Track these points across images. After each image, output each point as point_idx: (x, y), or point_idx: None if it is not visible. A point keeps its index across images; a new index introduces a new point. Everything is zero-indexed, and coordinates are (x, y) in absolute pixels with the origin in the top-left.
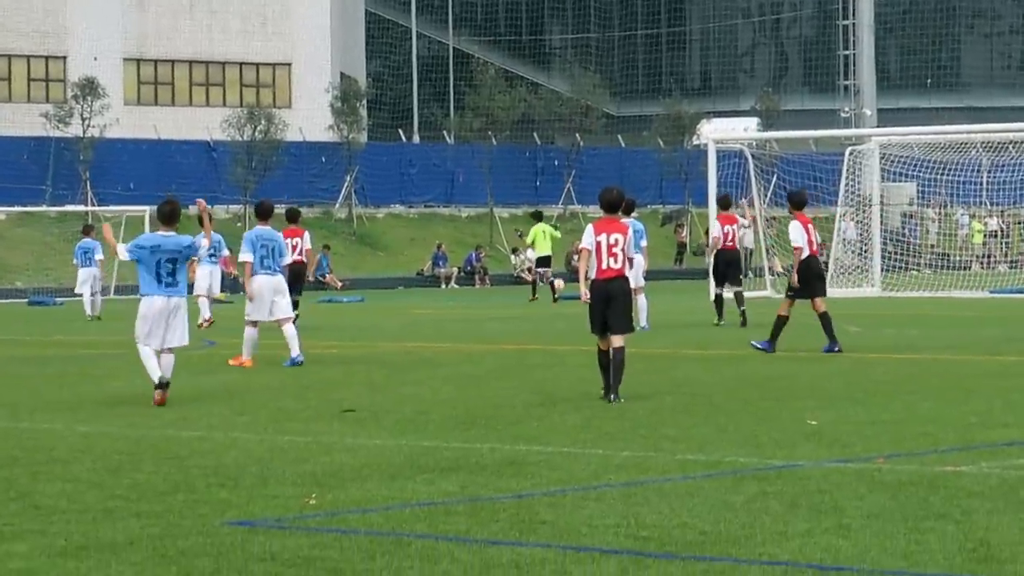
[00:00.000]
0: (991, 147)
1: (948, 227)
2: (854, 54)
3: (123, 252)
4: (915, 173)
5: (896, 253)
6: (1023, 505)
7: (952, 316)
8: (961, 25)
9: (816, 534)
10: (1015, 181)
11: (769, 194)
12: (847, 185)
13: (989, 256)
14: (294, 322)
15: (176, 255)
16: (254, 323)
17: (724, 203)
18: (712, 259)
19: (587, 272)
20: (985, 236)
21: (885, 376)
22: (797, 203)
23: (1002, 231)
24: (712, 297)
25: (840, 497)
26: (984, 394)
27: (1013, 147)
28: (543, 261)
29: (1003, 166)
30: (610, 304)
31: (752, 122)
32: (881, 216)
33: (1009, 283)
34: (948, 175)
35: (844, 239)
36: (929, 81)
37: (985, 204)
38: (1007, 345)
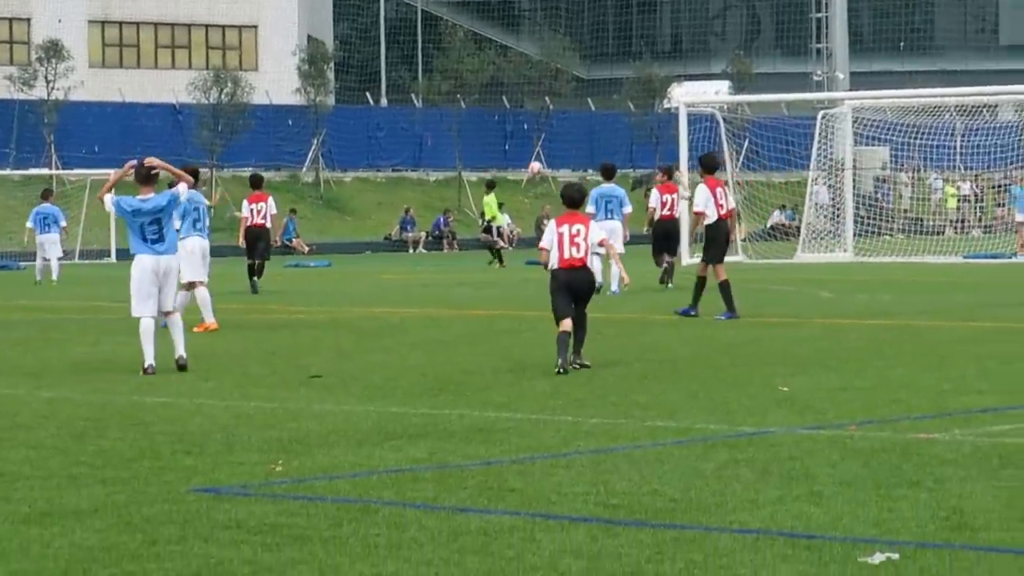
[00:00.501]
0: (964, 111)
1: (921, 192)
2: (827, 16)
3: (108, 202)
4: (888, 137)
5: (869, 218)
6: (996, 473)
7: (925, 282)
8: None
9: (787, 501)
10: (989, 145)
11: (741, 158)
12: (819, 149)
13: (963, 221)
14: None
15: (159, 215)
16: (195, 284)
17: (709, 165)
18: (651, 229)
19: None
20: (959, 201)
21: (858, 342)
22: (708, 166)
23: (976, 196)
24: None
25: (812, 464)
26: (957, 360)
27: (987, 111)
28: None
29: (977, 130)
30: (576, 301)
31: (724, 85)
32: (854, 181)
33: (983, 248)
34: (921, 139)
35: (816, 203)
36: (902, 44)
37: (959, 168)
38: (980, 311)
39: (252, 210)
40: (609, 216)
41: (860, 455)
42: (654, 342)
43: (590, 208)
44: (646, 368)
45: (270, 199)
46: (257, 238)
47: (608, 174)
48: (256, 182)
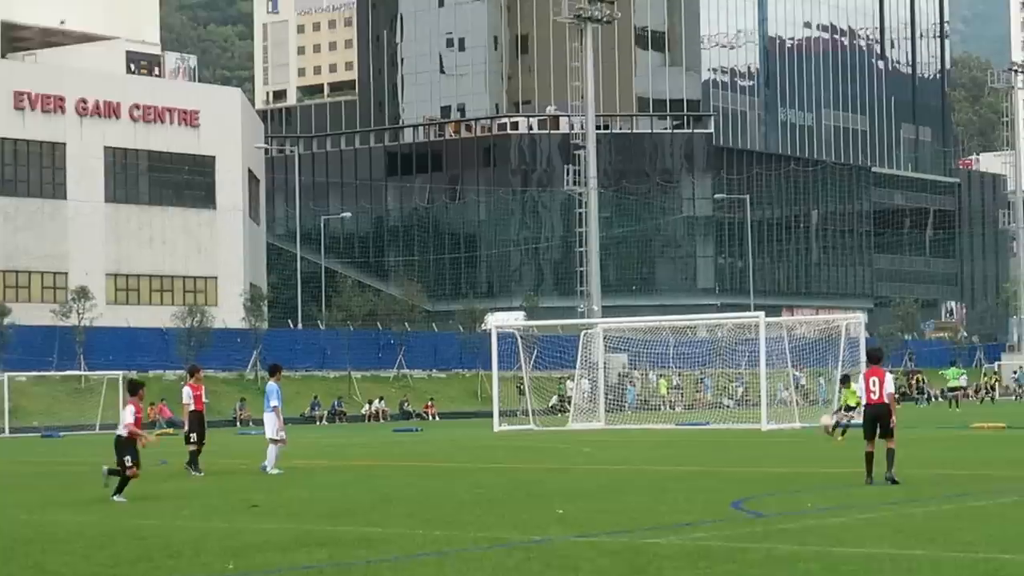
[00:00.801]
0: (675, 331)
1: (646, 383)
2: (586, 270)
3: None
4: (626, 347)
5: (614, 400)
6: (696, 566)
7: (650, 440)
8: (656, 250)
9: None
10: (691, 353)
11: (532, 362)
12: (582, 356)
13: (673, 402)
14: (196, 461)
15: None
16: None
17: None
18: None
19: None
20: (669, 388)
21: (607, 480)
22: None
23: (680, 386)
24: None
25: (577, 560)
26: (672, 491)
27: (689, 331)
28: None
29: (683, 343)
30: None
31: (520, 315)
32: (605, 375)
33: (687, 419)
34: (647, 349)
35: (583, 391)
36: (634, 287)
37: (671, 367)
38: (689, 457)
39: (192, 395)
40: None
41: (608, 553)
42: (480, 481)
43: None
44: (472, 497)
45: (203, 387)
46: (201, 419)
47: None
48: (192, 371)
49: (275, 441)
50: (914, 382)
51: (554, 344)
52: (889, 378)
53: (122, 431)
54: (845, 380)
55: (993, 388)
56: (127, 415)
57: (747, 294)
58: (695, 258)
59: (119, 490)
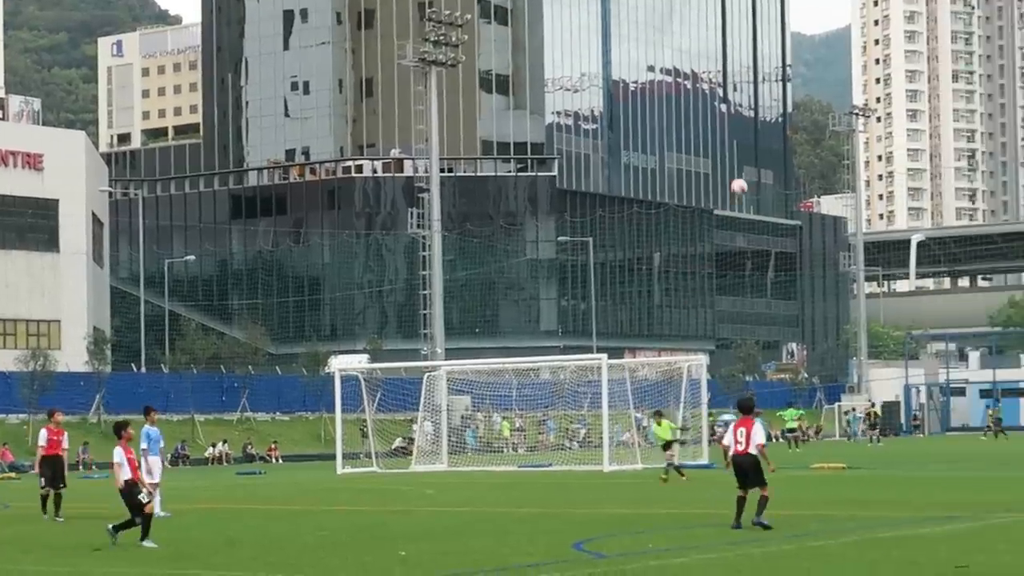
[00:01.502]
0: (518, 372)
1: (489, 425)
2: (429, 313)
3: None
4: (469, 390)
5: (457, 442)
6: None
7: (493, 482)
8: (499, 292)
9: None
10: (534, 395)
11: (375, 404)
12: (426, 398)
13: (516, 443)
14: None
15: None
16: None
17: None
18: None
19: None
20: (512, 431)
21: (452, 521)
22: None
23: (523, 428)
24: None
25: None
26: (515, 533)
27: (532, 373)
28: None
29: (526, 385)
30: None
31: (364, 357)
32: (448, 417)
33: (530, 461)
34: (491, 391)
35: (424, 432)
36: (478, 329)
37: (514, 409)
38: (530, 499)
39: (50, 439)
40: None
41: None
42: (324, 523)
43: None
44: (315, 541)
45: (65, 433)
46: (59, 463)
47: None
48: (51, 414)
49: (156, 485)
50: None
51: (398, 386)
52: (758, 427)
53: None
54: (657, 415)
55: (819, 430)
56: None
57: (590, 336)
58: (538, 300)
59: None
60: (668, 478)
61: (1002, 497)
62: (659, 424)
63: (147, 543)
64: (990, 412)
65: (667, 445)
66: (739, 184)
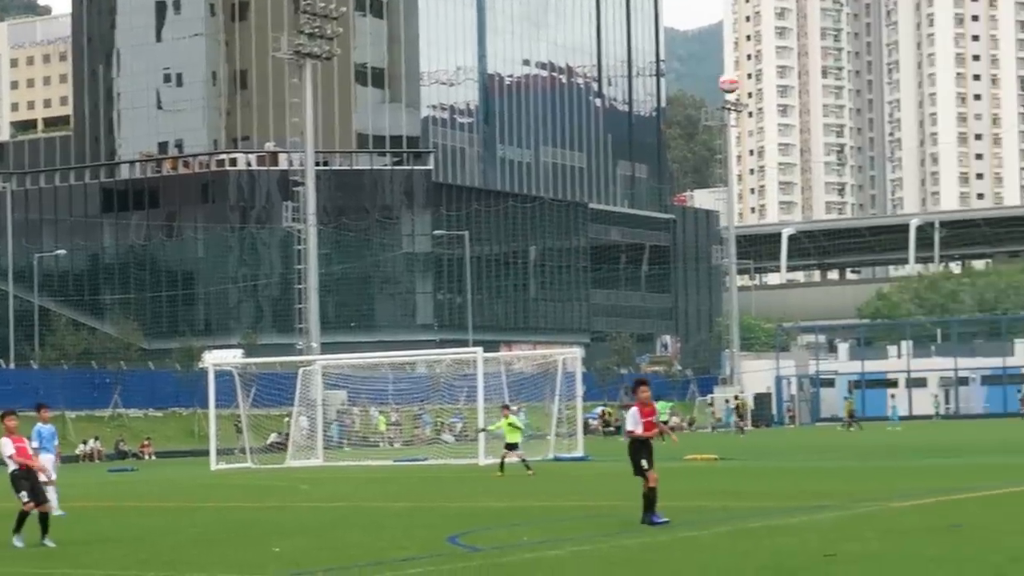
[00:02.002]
0: (395, 367)
1: (366, 419)
2: (305, 307)
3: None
4: (345, 384)
5: (333, 436)
6: None
7: (369, 476)
8: (375, 286)
9: None
10: (411, 389)
11: (251, 400)
12: (301, 392)
13: (392, 438)
14: None
15: None
16: None
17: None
18: None
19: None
20: (388, 424)
21: (330, 517)
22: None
23: (399, 422)
24: None
25: None
26: (390, 527)
27: (408, 367)
28: None
29: (402, 379)
30: None
31: (239, 352)
32: (323, 412)
33: (406, 455)
34: (367, 385)
35: (300, 427)
36: (353, 323)
37: (390, 403)
38: (405, 494)
39: None
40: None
41: None
42: (197, 520)
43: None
44: (195, 535)
45: None
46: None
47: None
48: None
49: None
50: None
51: (273, 381)
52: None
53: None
54: (505, 409)
55: (692, 422)
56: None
57: (466, 330)
58: (414, 294)
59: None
60: (504, 474)
61: (868, 486)
62: (506, 418)
63: (47, 542)
64: (846, 403)
65: (510, 446)
66: None
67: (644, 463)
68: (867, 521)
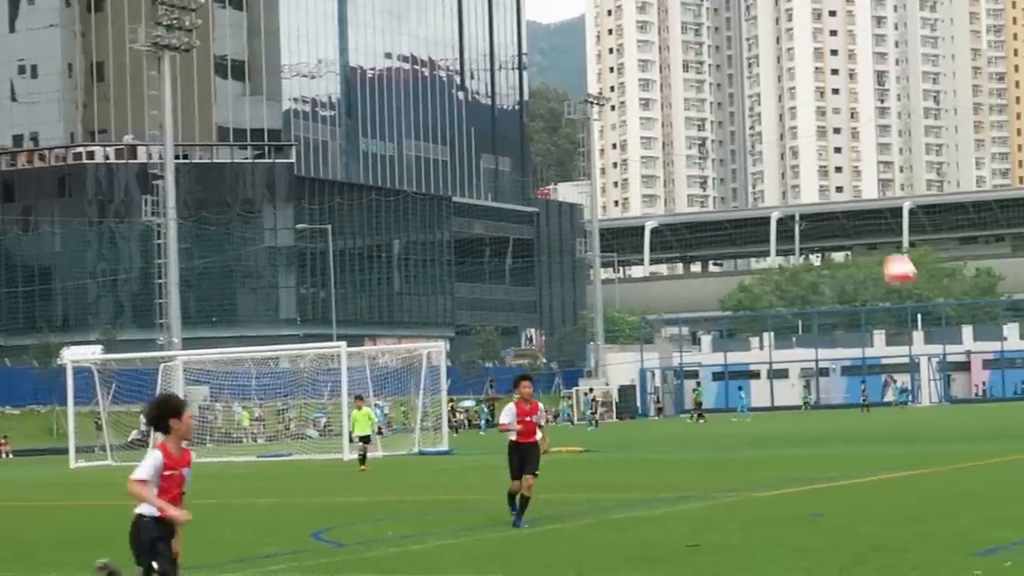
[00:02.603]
0: (258, 362)
1: (229, 415)
2: (165, 302)
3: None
4: (207, 380)
5: (197, 432)
6: None
7: (233, 473)
8: (237, 280)
9: None
10: (273, 384)
11: (111, 396)
12: (162, 388)
13: (255, 433)
14: None
15: None
16: None
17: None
18: None
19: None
20: (252, 420)
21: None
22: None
23: (262, 417)
24: None
25: None
26: (253, 524)
27: (271, 362)
28: None
29: (265, 374)
30: None
31: (98, 348)
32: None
33: (269, 451)
34: (230, 380)
35: None
36: (215, 318)
37: (253, 399)
38: (269, 490)
39: None
40: None
41: None
42: (56, 519)
43: None
44: (51, 537)
45: None
46: None
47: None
48: None
49: None
50: (493, 408)
51: (133, 377)
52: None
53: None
54: (358, 400)
55: (557, 415)
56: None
57: (330, 324)
58: (277, 288)
59: None
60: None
61: (730, 477)
62: (359, 410)
63: None
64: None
65: (363, 439)
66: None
67: (518, 468)
68: (729, 511)
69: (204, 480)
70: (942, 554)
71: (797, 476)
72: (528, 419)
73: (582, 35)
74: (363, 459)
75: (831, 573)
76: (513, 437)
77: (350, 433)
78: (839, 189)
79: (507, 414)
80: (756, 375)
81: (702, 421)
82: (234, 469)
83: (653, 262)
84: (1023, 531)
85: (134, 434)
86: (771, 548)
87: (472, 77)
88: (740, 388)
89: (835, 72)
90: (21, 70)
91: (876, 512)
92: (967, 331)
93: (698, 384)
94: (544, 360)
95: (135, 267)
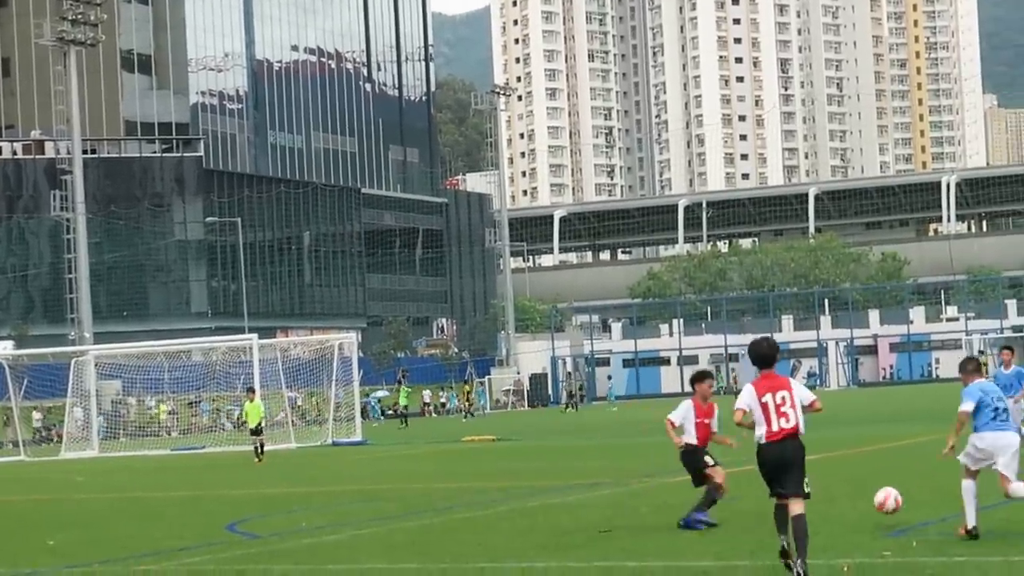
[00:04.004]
0: (170, 355)
1: (142, 408)
2: (76, 297)
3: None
4: (119, 374)
5: (108, 427)
6: None
7: (146, 466)
8: (148, 274)
9: None
10: (186, 377)
11: (23, 392)
12: (74, 384)
13: (169, 427)
14: None
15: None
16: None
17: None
18: None
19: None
20: (166, 414)
21: (102, 507)
22: None
23: (175, 410)
24: None
25: None
26: (167, 517)
27: (184, 355)
28: None
29: (178, 367)
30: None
31: (9, 344)
32: (98, 403)
33: (183, 444)
34: (142, 374)
35: (74, 419)
36: (126, 313)
37: (166, 392)
38: (183, 483)
39: None
40: None
41: None
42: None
43: None
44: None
45: None
46: None
47: None
48: None
49: None
50: (462, 396)
51: (44, 373)
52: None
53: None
54: (250, 392)
55: (471, 403)
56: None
57: (241, 316)
58: (188, 282)
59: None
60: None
61: (640, 463)
62: (251, 402)
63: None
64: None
65: (254, 431)
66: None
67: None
68: (641, 497)
69: (116, 474)
70: (852, 535)
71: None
72: (705, 421)
73: (488, 26)
74: (258, 451)
75: (742, 556)
76: (692, 441)
77: (247, 425)
78: (745, 176)
79: (683, 414)
80: (666, 361)
81: (572, 410)
82: (147, 463)
83: (562, 251)
84: (931, 512)
85: (36, 416)
86: (683, 533)
87: (379, 69)
88: (609, 377)
89: (739, 60)
90: None
91: None
92: (874, 315)
93: (572, 372)
94: (456, 350)
95: (45, 262)
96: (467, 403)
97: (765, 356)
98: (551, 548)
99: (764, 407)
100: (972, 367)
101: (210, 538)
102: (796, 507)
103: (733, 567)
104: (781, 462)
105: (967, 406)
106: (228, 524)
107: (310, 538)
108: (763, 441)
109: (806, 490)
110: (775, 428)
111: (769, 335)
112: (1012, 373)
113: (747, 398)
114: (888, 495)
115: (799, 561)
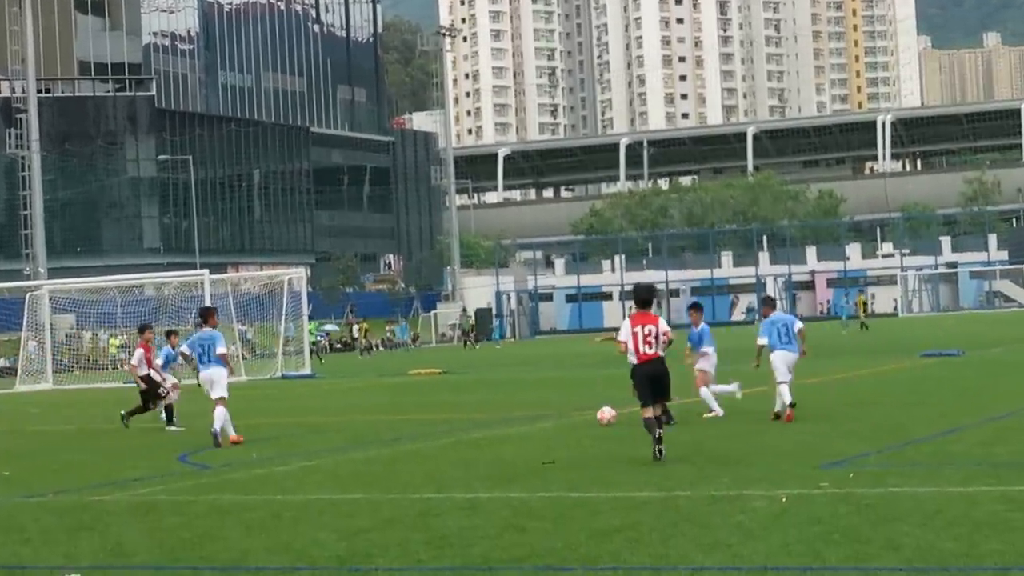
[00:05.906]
0: (123, 290)
1: (96, 342)
2: (31, 233)
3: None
4: (73, 308)
5: (62, 360)
6: (144, 520)
7: (100, 399)
8: (101, 211)
9: None
10: (138, 312)
11: None
12: (29, 318)
13: (122, 361)
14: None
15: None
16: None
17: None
18: None
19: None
20: (118, 348)
21: (54, 441)
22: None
23: (128, 344)
24: None
25: (23, 521)
26: (120, 448)
27: (136, 290)
28: None
29: (130, 301)
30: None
31: None
32: (52, 336)
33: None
34: (95, 309)
35: (27, 354)
36: (80, 248)
37: (119, 326)
38: (136, 417)
39: None
40: None
41: (57, 512)
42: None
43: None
44: None
45: None
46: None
47: None
48: None
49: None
50: (361, 333)
51: (0, 307)
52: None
53: None
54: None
55: (417, 338)
56: None
57: (193, 253)
58: (141, 219)
59: None
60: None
61: (580, 396)
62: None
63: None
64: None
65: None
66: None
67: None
68: (584, 429)
69: (71, 407)
70: (788, 467)
71: None
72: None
73: None
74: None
75: (683, 487)
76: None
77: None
78: (685, 116)
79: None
80: (608, 296)
81: (476, 346)
82: (101, 396)
83: (507, 188)
84: (866, 444)
85: (1, 362)
86: (624, 464)
87: (327, 10)
88: (497, 316)
89: (679, 2)
90: None
91: (721, 428)
92: (811, 251)
93: (467, 311)
94: (403, 285)
95: (0, 199)
96: (364, 339)
97: (643, 299)
98: (495, 479)
99: (634, 336)
100: (769, 304)
101: (162, 469)
102: (649, 412)
103: (674, 497)
104: (650, 377)
105: (762, 340)
106: (180, 455)
107: (260, 468)
108: (635, 362)
109: (671, 398)
110: (642, 352)
111: (649, 282)
112: (700, 331)
113: (624, 331)
114: (604, 412)
115: (657, 448)
